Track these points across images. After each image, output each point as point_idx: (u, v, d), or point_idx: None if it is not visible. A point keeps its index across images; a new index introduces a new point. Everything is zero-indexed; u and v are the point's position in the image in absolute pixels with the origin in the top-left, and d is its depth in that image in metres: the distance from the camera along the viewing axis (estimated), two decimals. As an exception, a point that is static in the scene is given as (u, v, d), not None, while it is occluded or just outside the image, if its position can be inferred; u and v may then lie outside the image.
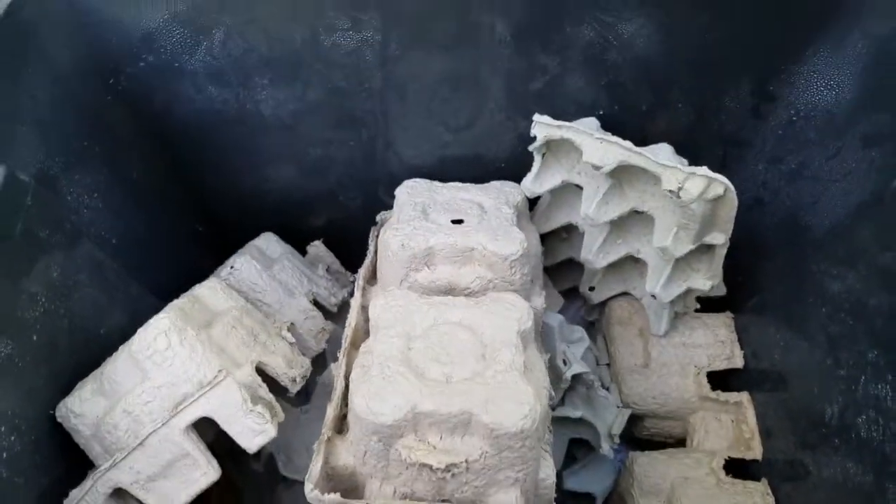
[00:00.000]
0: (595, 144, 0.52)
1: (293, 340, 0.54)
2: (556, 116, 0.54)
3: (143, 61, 0.53)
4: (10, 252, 0.43)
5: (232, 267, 0.61)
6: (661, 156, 0.51)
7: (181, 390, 0.45)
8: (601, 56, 0.51)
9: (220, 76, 0.54)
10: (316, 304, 0.63)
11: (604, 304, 0.69)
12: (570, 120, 0.55)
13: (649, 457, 0.60)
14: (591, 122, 0.55)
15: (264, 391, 0.48)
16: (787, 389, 0.56)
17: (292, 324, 0.58)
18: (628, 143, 0.51)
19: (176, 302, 0.49)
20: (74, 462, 0.47)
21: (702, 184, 0.49)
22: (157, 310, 0.55)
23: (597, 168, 0.52)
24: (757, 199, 0.61)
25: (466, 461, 0.40)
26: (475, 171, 0.60)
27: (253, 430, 0.45)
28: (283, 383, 0.51)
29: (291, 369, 0.52)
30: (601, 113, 0.56)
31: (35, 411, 0.45)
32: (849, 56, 0.48)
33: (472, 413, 0.39)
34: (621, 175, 0.55)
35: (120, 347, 0.47)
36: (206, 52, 0.52)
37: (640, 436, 0.67)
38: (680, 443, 0.65)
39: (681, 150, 0.59)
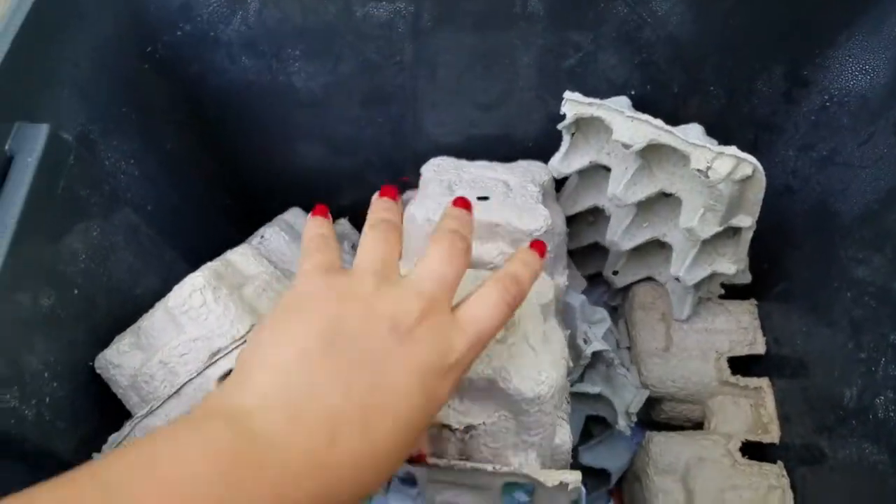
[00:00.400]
0: (626, 123, 0.52)
1: None
2: (587, 95, 0.55)
3: (181, 30, 0.54)
4: (53, 208, 0.44)
5: (262, 237, 0.62)
6: (690, 135, 0.51)
7: (215, 344, 0.47)
8: (635, 34, 0.51)
9: (254, 46, 0.55)
10: None
11: (627, 289, 0.69)
12: (602, 99, 0.55)
13: (666, 436, 0.60)
14: (623, 101, 0.55)
15: None
16: (808, 375, 0.56)
17: None
18: (659, 122, 0.51)
19: (210, 263, 0.50)
20: (112, 412, 0.49)
21: (730, 163, 0.49)
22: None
23: (626, 147, 0.52)
24: (787, 186, 0.60)
25: (484, 423, 0.42)
26: (503, 150, 0.60)
27: None
28: None
29: None
30: (633, 93, 0.56)
31: (75, 361, 0.47)
32: (884, 40, 0.48)
33: (491, 378, 0.40)
34: (650, 156, 0.55)
35: (156, 304, 0.49)
36: (242, 22, 0.53)
37: (657, 419, 0.67)
38: (698, 426, 0.65)
39: (712, 134, 0.59)
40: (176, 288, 0.48)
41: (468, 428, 0.42)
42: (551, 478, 0.42)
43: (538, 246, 0.40)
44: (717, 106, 0.57)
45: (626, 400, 0.62)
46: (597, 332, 0.62)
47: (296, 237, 0.63)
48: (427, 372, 0.31)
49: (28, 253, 0.41)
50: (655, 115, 0.56)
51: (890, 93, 0.49)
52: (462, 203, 0.39)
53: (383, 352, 0.31)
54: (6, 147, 0.42)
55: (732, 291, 0.65)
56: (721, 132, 0.59)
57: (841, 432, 0.50)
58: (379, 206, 0.39)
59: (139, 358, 0.48)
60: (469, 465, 0.43)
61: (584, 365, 0.61)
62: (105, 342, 0.49)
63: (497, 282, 0.35)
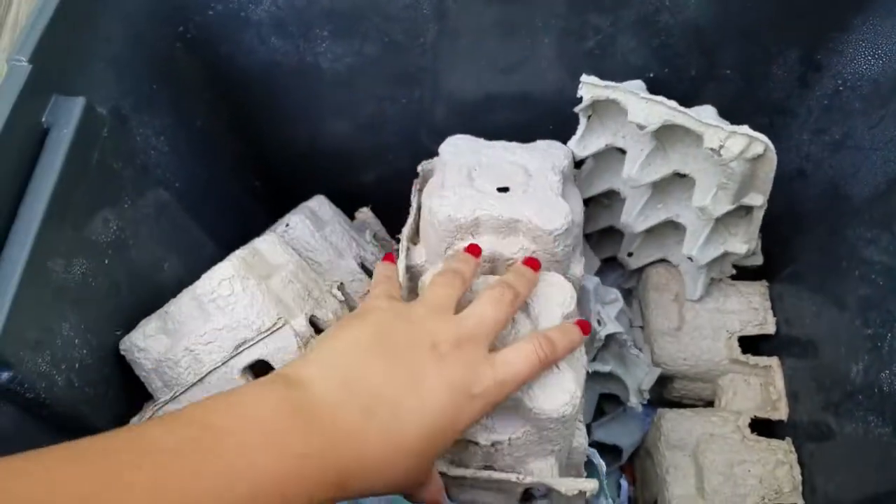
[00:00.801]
0: (640, 104, 0.54)
1: (342, 298, 0.56)
2: (606, 78, 0.56)
3: (212, 10, 0.56)
4: (87, 179, 0.46)
5: (287, 225, 0.63)
6: (703, 116, 0.52)
7: (241, 334, 0.48)
8: (653, 17, 0.53)
9: (283, 27, 0.57)
10: (363, 267, 0.65)
11: (641, 271, 0.70)
12: (620, 81, 0.56)
13: (677, 413, 0.62)
14: (638, 84, 0.57)
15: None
16: (817, 353, 0.57)
17: (342, 283, 0.59)
18: (673, 103, 0.53)
19: (238, 252, 0.51)
20: (134, 394, 0.51)
21: (742, 142, 0.50)
22: (214, 255, 0.59)
23: (641, 128, 0.54)
24: (800, 170, 0.62)
25: (510, 439, 0.44)
26: (523, 130, 0.61)
27: None
28: None
29: None
30: (651, 75, 0.57)
31: (103, 330, 0.48)
32: (898, 25, 0.49)
33: (518, 398, 0.42)
34: (665, 138, 0.57)
35: (184, 290, 0.50)
36: (272, 2, 0.55)
37: (669, 397, 0.69)
38: (709, 405, 0.67)
39: (727, 118, 0.60)
40: (204, 276, 0.49)
41: (495, 444, 0.44)
42: (570, 487, 0.45)
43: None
44: (733, 90, 0.58)
45: (638, 378, 0.64)
46: (610, 313, 0.63)
47: (320, 226, 0.64)
48: (456, 390, 0.36)
49: (62, 222, 0.43)
50: (672, 98, 0.57)
51: (902, 76, 0.50)
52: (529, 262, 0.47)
53: (421, 362, 0.36)
54: (43, 119, 0.44)
55: (744, 273, 0.67)
56: (736, 117, 0.59)
57: (847, 407, 0.51)
58: (458, 258, 0.46)
59: (164, 343, 0.49)
60: (494, 475, 0.45)
61: (598, 348, 0.62)
62: (132, 314, 0.51)
63: (535, 338, 0.40)
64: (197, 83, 0.61)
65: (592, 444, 0.64)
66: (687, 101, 0.57)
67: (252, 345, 0.48)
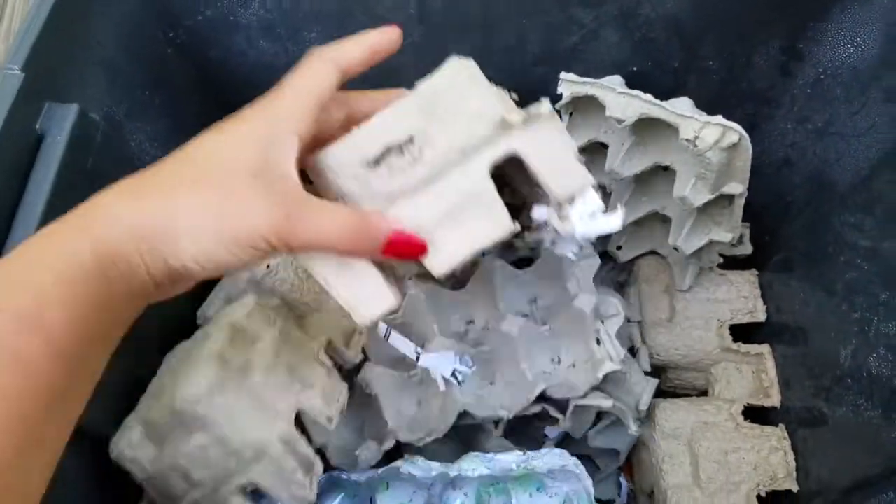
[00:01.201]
0: (618, 99, 0.55)
1: (330, 364, 0.53)
2: (590, 72, 0.57)
3: (201, 15, 0.57)
4: (82, 185, 0.46)
5: (268, 267, 0.58)
6: (679, 108, 0.53)
7: (229, 456, 0.45)
8: (635, 11, 0.54)
9: (271, 29, 0.58)
10: None
11: (632, 263, 0.71)
12: (604, 77, 0.57)
13: (671, 403, 0.63)
14: (616, 80, 0.58)
15: (304, 445, 0.48)
16: (806, 339, 0.58)
17: (330, 341, 0.55)
18: (648, 97, 0.54)
19: (214, 346, 0.47)
20: (137, 383, 0.51)
21: (717, 132, 0.51)
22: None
23: (619, 122, 0.55)
24: (785, 159, 0.62)
25: None
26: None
27: (295, 497, 0.47)
28: (322, 424, 0.50)
29: (329, 405, 0.51)
30: (634, 69, 0.58)
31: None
32: (875, 13, 0.50)
33: None
34: (644, 131, 0.58)
35: (164, 395, 0.47)
36: (260, 6, 0.56)
37: (663, 388, 0.69)
38: (702, 394, 0.67)
39: (711, 109, 0.60)
40: (182, 386, 0.45)
41: None
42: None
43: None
44: (716, 81, 0.59)
45: (636, 395, 0.63)
46: (610, 330, 0.61)
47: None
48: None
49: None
50: (656, 91, 0.58)
51: (880, 64, 0.50)
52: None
53: None
54: (37, 126, 0.44)
55: (733, 263, 0.67)
56: (720, 107, 0.60)
57: (837, 392, 0.52)
58: None
59: (152, 452, 0.47)
60: None
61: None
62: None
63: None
64: (189, 87, 0.62)
65: (591, 450, 0.65)
66: (670, 93, 0.58)
67: (241, 472, 0.46)
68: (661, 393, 0.69)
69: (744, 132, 0.51)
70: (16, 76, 0.43)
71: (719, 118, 0.51)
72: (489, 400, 0.59)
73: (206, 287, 0.61)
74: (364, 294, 0.36)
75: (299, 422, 0.49)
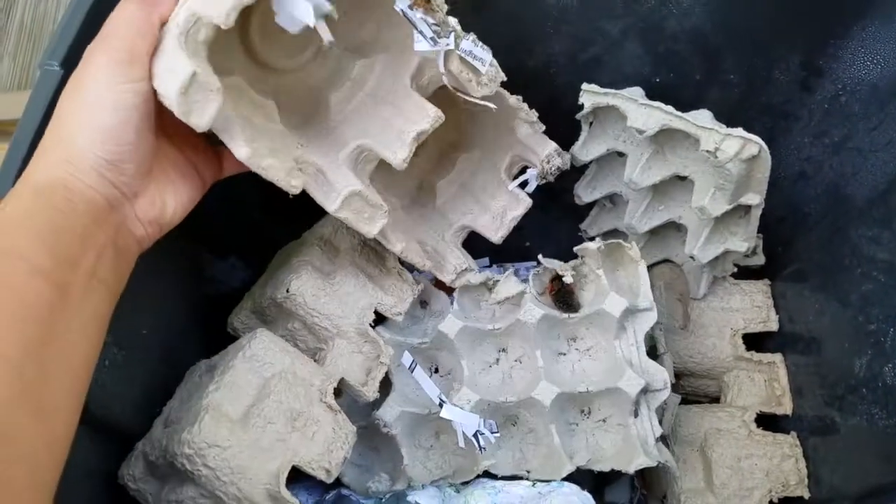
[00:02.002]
0: (639, 110, 0.56)
1: (338, 409, 0.50)
2: (614, 83, 0.58)
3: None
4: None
5: (287, 290, 0.55)
6: (700, 120, 0.55)
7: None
8: (660, 24, 0.55)
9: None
10: (376, 314, 0.58)
11: (648, 271, 0.72)
12: (628, 86, 0.58)
13: (685, 409, 0.64)
14: (637, 91, 0.59)
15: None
16: (819, 349, 0.59)
17: (342, 380, 0.54)
18: (670, 108, 0.55)
19: (213, 397, 0.46)
20: (164, 382, 0.52)
21: (737, 144, 0.52)
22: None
23: (640, 132, 0.56)
24: (801, 172, 0.64)
25: None
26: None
27: None
28: (317, 476, 0.48)
29: (331, 454, 0.48)
30: (657, 80, 0.59)
31: (133, 328, 0.50)
32: (895, 31, 0.51)
33: None
34: (663, 141, 0.59)
35: (165, 429, 0.47)
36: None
37: (675, 393, 0.70)
38: (715, 401, 0.68)
39: (731, 121, 0.61)
40: (186, 430, 0.44)
41: None
42: None
43: None
44: (736, 94, 0.60)
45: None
46: (652, 403, 0.57)
47: (329, 272, 0.57)
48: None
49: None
50: (677, 103, 0.59)
51: (900, 80, 0.52)
52: None
53: None
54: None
55: (746, 273, 0.68)
56: (739, 121, 0.61)
57: (851, 401, 0.53)
58: None
59: (156, 486, 0.47)
60: None
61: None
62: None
63: None
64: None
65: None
66: (691, 105, 0.59)
67: None
68: (673, 399, 0.70)
69: (764, 144, 0.52)
70: (55, 72, 0.43)
71: (740, 130, 0.52)
72: (505, 446, 0.58)
73: (235, 299, 0.61)
74: None
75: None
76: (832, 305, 0.57)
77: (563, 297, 0.61)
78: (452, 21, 0.47)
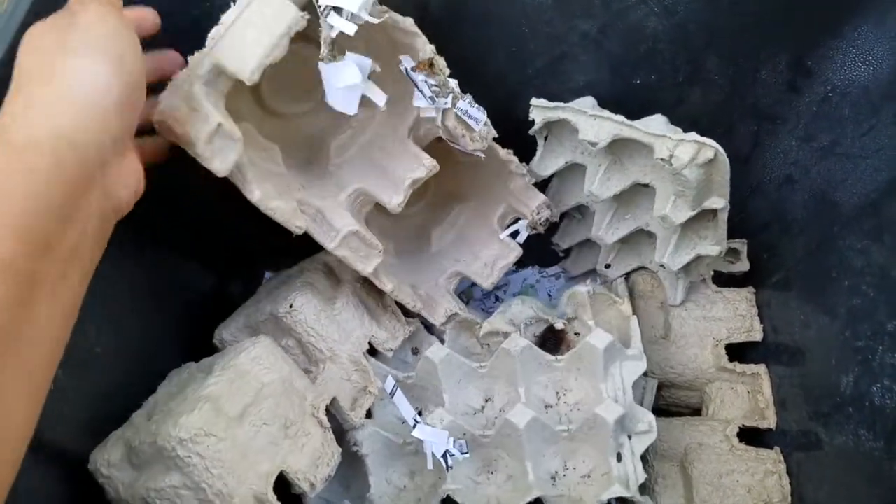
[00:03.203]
0: (589, 121, 0.54)
1: (328, 426, 0.50)
2: (590, 84, 0.55)
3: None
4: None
5: (291, 306, 0.55)
6: (652, 126, 0.52)
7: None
8: (641, 23, 0.52)
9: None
10: (370, 346, 0.58)
11: (627, 279, 0.69)
12: (607, 89, 0.56)
13: (665, 422, 0.61)
14: (588, 101, 0.57)
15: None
16: (804, 362, 0.57)
17: (334, 400, 0.53)
18: (620, 118, 0.53)
19: (213, 389, 0.45)
20: (113, 402, 0.49)
21: (692, 149, 0.50)
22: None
23: (593, 144, 0.54)
24: (787, 177, 0.61)
25: None
26: (501, 135, 0.60)
27: None
28: (301, 488, 0.47)
29: (317, 468, 0.48)
30: (637, 82, 0.56)
31: (78, 346, 0.46)
32: (889, 31, 0.48)
33: None
34: (620, 151, 0.57)
35: (157, 416, 0.45)
36: None
37: (657, 405, 0.68)
38: (696, 412, 0.66)
39: (714, 124, 0.59)
40: (172, 420, 0.43)
41: None
42: None
43: None
44: (720, 96, 0.57)
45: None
46: (637, 448, 0.55)
47: (330, 297, 0.57)
48: None
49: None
50: (658, 106, 0.56)
51: (892, 84, 0.49)
52: None
53: None
54: None
55: (730, 280, 0.66)
56: (724, 123, 0.59)
57: (837, 419, 0.51)
58: None
59: (129, 476, 0.45)
60: None
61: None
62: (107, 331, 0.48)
63: None
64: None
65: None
66: (674, 107, 0.57)
67: None
68: (654, 410, 0.67)
69: (719, 147, 0.50)
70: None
71: (693, 135, 0.50)
72: (483, 490, 0.56)
73: (225, 311, 0.60)
74: None
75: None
76: (819, 318, 0.55)
77: (553, 344, 0.62)
78: (453, 83, 0.49)
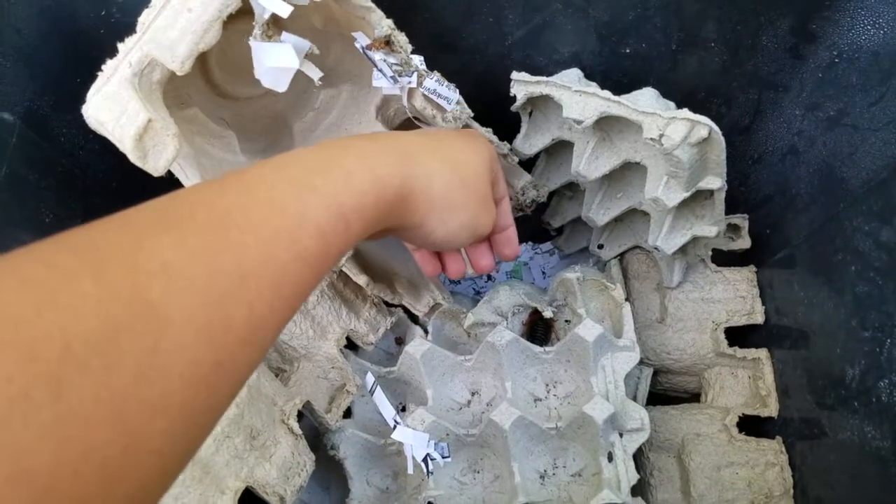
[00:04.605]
0: (574, 98, 0.49)
1: (300, 433, 0.48)
2: (576, 55, 0.51)
3: (135, -10, 0.50)
4: (-5, 197, 0.41)
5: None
6: (641, 102, 0.47)
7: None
8: (628, -12, 0.47)
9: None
10: (348, 341, 0.56)
11: (622, 259, 0.66)
12: (595, 59, 0.51)
13: (662, 412, 0.59)
14: (573, 74, 0.52)
15: None
16: (808, 348, 0.53)
17: (307, 403, 0.50)
18: (607, 93, 0.48)
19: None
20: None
21: (684, 128, 0.45)
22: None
23: (578, 122, 0.49)
24: (791, 147, 0.57)
25: None
26: (480, 107, 0.56)
27: None
28: (270, 502, 0.45)
29: (287, 480, 0.45)
30: (627, 51, 0.52)
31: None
32: (902, -9, 0.44)
33: None
34: (609, 127, 0.52)
35: None
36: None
37: (653, 390, 0.65)
38: (695, 397, 0.63)
39: (713, 93, 0.55)
40: None
41: None
42: None
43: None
44: (718, 64, 0.53)
45: (631, 387, 0.60)
46: (629, 447, 0.52)
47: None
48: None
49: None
50: (651, 76, 0.52)
51: (905, 49, 0.44)
52: None
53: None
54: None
55: (731, 257, 0.62)
56: (723, 92, 0.55)
57: (842, 412, 0.48)
58: None
59: None
60: None
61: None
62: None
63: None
64: (128, 71, 0.55)
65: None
66: (668, 76, 0.52)
67: None
68: (650, 395, 0.65)
69: (713, 125, 0.45)
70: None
71: (685, 112, 0.45)
72: (469, 491, 0.53)
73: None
74: None
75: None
76: (823, 304, 0.51)
77: (542, 333, 0.58)
78: (416, 60, 0.44)
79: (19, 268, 0.19)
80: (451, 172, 0.37)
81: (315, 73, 0.40)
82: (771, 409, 0.57)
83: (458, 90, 0.47)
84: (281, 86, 0.40)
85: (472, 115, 0.49)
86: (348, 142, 0.32)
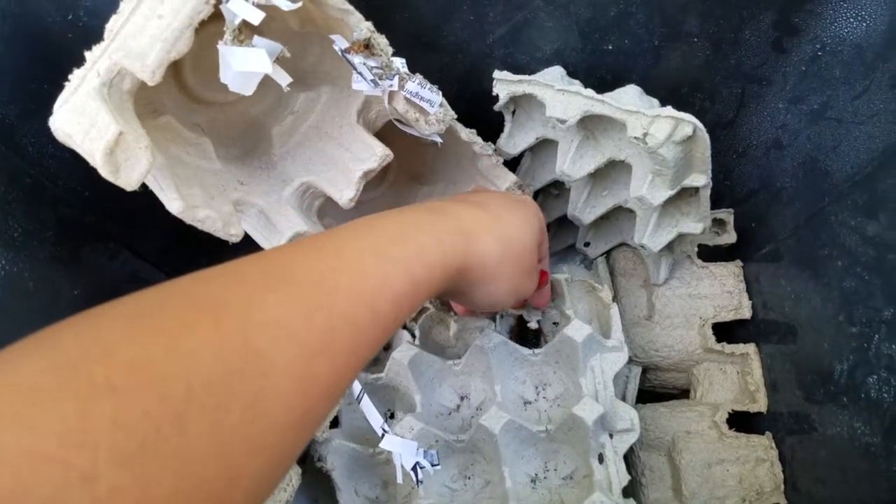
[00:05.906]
0: (557, 97, 0.48)
1: None
2: (558, 53, 0.50)
3: (103, -7, 0.48)
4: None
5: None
6: (624, 100, 0.47)
7: None
8: (609, -17, 0.46)
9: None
10: None
11: (608, 256, 0.65)
12: (577, 56, 0.50)
13: (651, 410, 0.58)
14: (556, 72, 0.51)
15: None
16: (797, 343, 0.53)
17: None
18: (589, 91, 0.47)
19: None
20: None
21: (668, 126, 0.44)
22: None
23: (561, 122, 0.49)
24: (775, 141, 0.56)
25: None
26: (464, 106, 0.55)
27: None
28: None
29: (273, 497, 0.44)
30: (609, 48, 0.51)
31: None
32: (885, -18, 0.43)
33: None
34: (592, 126, 0.51)
35: None
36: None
37: (642, 387, 0.65)
38: (684, 393, 0.63)
39: (696, 88, 0.54)
40: None
41: None
42: None
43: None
44: (701, 58, 0.52)
45: (619, 386, 0.59)
46: (619, 447, 0.51)
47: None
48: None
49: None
50: (634, 72, 0.51)
51: (887, 42, 0.44)
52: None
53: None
54: None
55: (717, 252, 0.62)
56: (706, 87, 0.54)
57: (831, 408, 0.48)
58: None
59: None
60: None
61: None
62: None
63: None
64: (98, 76, 0.53)
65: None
66: (650, 72, 0.52)
67: None
68: (639, 392, 0.64)
69: (698, 122, 0.45)
70: None
71: (669, 109, 0.45)
72: (460, 497, 0.52)
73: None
74: None
75: None
76: (810, 299, 0.51)
77: (533, 335, 0.58)
78: (398, 63, 0.43)
79: (151, 320, 0.23)
80: (504, 249, 0.40)
81: (284, 79, 0.38)
82: (760, 405, 0.57)
83: (440, 92, 0.46)
84: (248, 89, 0.38)
85: (455, 116, 0.48)
86: (422, 217, 0.36)
